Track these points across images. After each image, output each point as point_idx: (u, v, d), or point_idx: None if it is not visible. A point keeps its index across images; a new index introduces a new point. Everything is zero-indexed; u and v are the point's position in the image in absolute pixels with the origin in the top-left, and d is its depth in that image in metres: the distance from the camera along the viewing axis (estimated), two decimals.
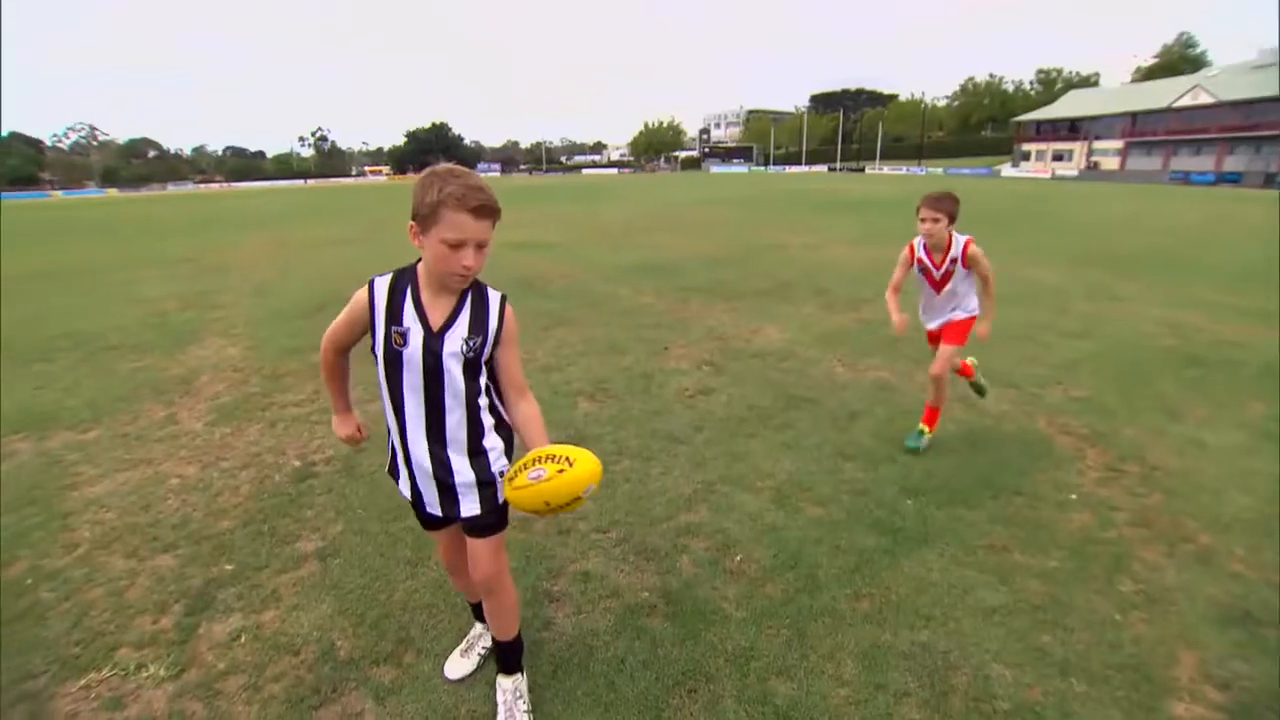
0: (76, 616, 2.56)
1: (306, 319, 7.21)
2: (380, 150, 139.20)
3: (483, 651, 2.27)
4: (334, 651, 2.33)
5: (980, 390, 4.16)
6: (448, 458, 1.80)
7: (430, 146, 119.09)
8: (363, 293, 1.74)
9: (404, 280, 1.72)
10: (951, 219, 3.42)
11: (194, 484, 3.56)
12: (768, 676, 2.19)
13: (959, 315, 3.65)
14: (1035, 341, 5.83)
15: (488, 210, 1.59)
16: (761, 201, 25.24)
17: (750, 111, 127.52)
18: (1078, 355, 5.47)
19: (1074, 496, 3.26)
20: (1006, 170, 59.62)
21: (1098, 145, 60.83)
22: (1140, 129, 57.09)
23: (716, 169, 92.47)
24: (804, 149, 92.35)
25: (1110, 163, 58.07)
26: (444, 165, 1.63)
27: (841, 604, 2.52)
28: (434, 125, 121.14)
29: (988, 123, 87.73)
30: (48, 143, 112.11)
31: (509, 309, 1.80)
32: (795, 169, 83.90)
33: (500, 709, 2.02)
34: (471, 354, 1.72)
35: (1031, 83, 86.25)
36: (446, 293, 1.71)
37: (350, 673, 2.23)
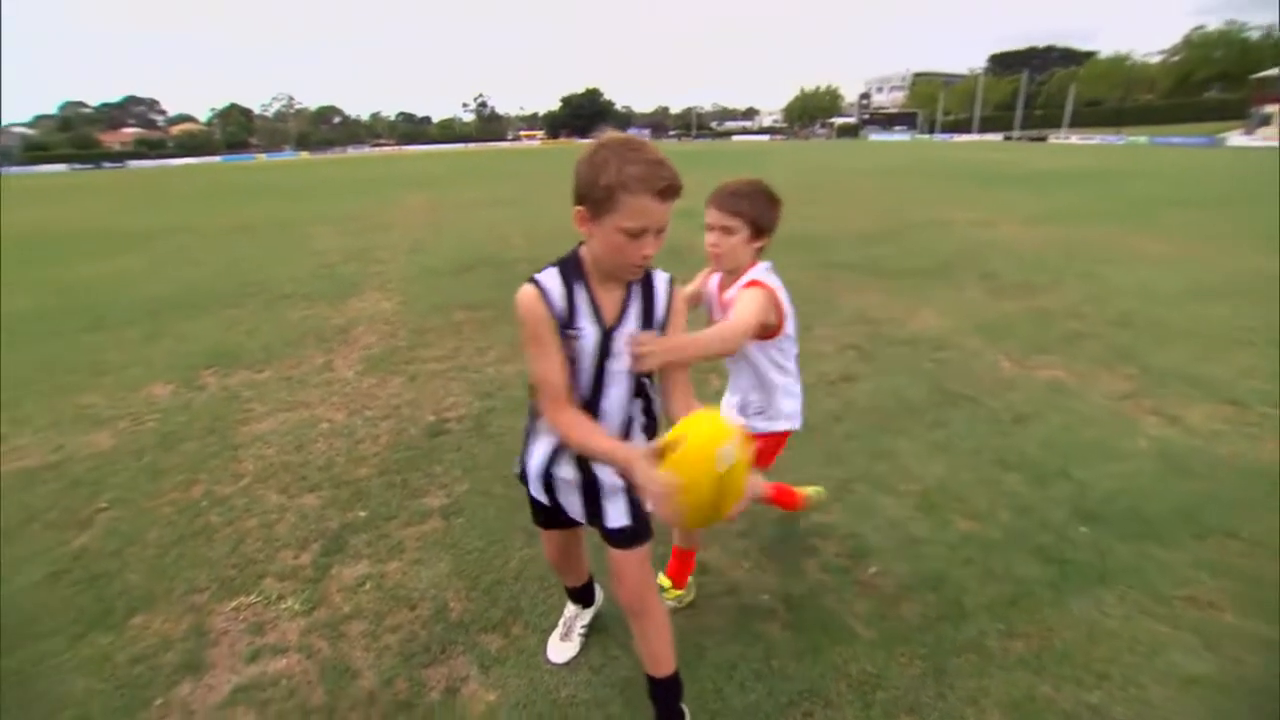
0: (235, 542, 2.82)
1: (454, 277, 7.59)
2: (535, 115, 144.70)
3: (582, 632, 2.20)
4: (447, 611, 2.37)
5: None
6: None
7: (583, 111, 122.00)
8: (535, 302, 1.45)
9: (571, 274, 1.48)
10: (757, 229, 2.05)
11: (341, 429, 3.83)
12: (895, 713, 1.94)
13: (759, 424, 2.23)
14: (1260, 348, 4.82)
15: (674, 190, 1.37)
16: (924, 172, 23.23)
17: (917, 75, 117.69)
18: None
19: None
20: (1235, 139, 49.93)
21: None
22: None
23: (876, 136, 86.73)
24: (976, 115, 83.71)
25: None
26: (615, 137, 1.39)
27: (991, 640, 2.18)
28: (587, 91, 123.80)
29: (1215, 81, 73.39)
30: (256, 111, 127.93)
31: (677, 291, 1.60)
32: (964, 137, 76.57)
33: None
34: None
35: None
36: (615, 283, 1.52)
37: (460, 635, 2.25)
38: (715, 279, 2.20)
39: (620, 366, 1.54)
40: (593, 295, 1.49)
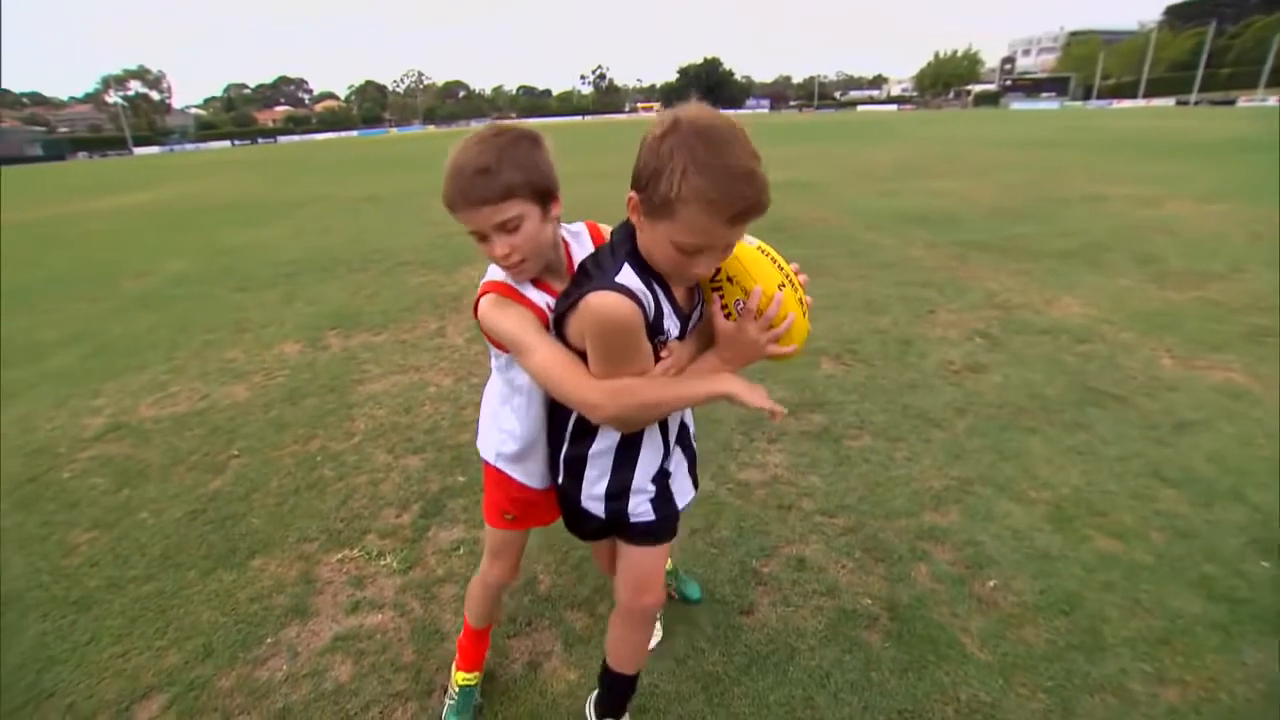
0: (344, 497, 2.96)
1: None
2: (653, 87, 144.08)
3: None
4: (535, 584, 2.36)
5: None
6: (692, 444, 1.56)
7: (700, 82, 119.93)
8: (634, 314, 1.16)
9: (646, 273, 1.20)
10: (544, 193, 1.29)
11: (447, 394, 3.95)
12: None
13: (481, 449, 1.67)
14: None
15: (752, 213, 1.07)
16: (1074, 143, 20.93)
17: (1072, 34, 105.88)
18: None
19: None
20: None
21: None
22: None
23: (1018, 105, 79.03)
24: (1144, 77, 73.84)
25: None
26: (696, 118, 1.05)
27: (1134, 682, 1.89)
28: (705, 60, 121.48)
29: None
30: (389, 87, 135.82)
31: None
32: (1127, 103, 67.81)
33: None
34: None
35: None
36: None
37: (546, 610, 2.23)
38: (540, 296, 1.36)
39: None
40: (670, 293, 1.24)
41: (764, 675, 1.97)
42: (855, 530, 2.61)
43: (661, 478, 1.46)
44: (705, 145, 1.01)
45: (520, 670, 2.03)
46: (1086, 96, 79.50)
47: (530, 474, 1.56)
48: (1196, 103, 60.43)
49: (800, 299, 1.27)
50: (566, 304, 1.26)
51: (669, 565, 2.08)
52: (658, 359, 1.26)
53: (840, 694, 1.90)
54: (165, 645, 2.21)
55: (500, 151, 1.21)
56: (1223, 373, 3.82)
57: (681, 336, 1.30)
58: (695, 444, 1.58)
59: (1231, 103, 54.88)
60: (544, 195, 1.28)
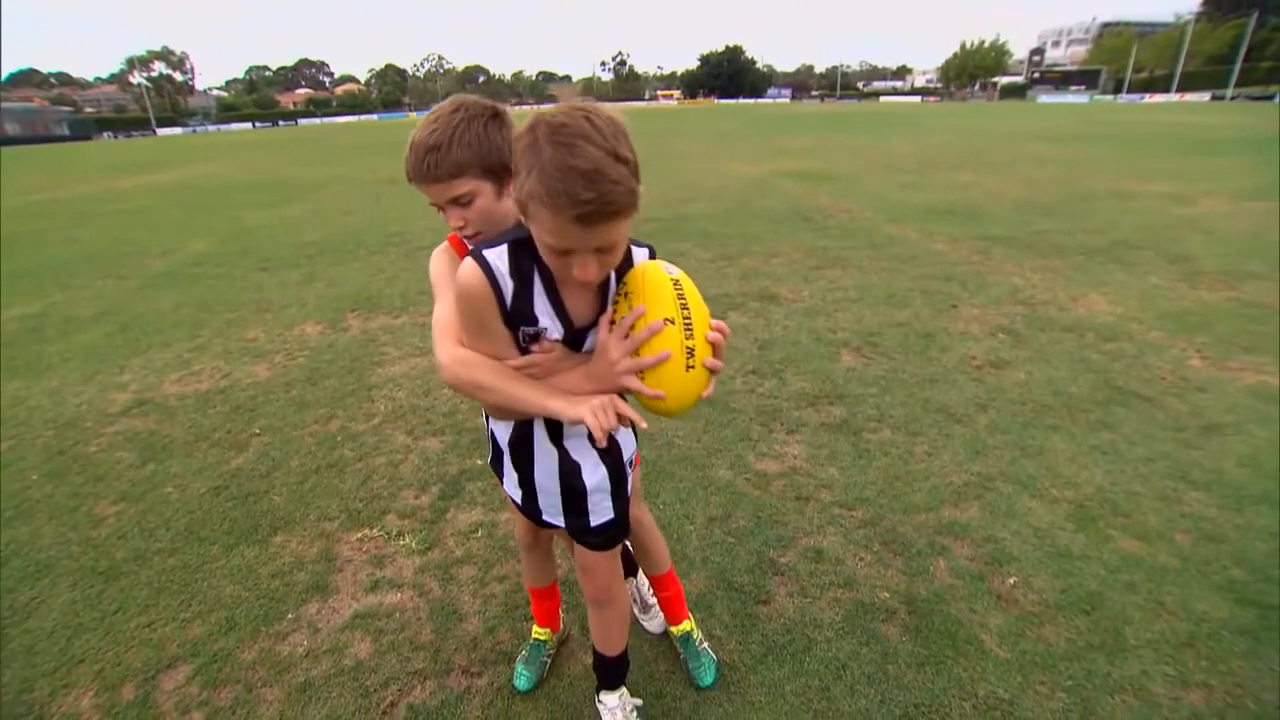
0: (364, 477, 2.99)
1: None
2: (674, 74, 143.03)
3: (650, 599, 2.12)
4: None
5: None
6: (576, 461, 1.43)
7: (722, 70, 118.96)
8: (479, 284, 1.16)
9: (528, 261, 1.17)
10: (499, 171, 1.30)
11: None
12: None
13: None
14: None
15: (603, 215, 1.00)
16: (1104, 137, 20.51)
17: (1105, 24, 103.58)
18: None
19: None
20: None
21: None
22: None
23: (1046, 98, 77.45)
24: (1178, 71, 71.78)
25: None
26: (555, 114, 1.00)
27: (1157, 685, 1.87)
28: (728, 48, 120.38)
29: None
30: (409, 71, 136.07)
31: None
32: (1159, 97, 66.21)
33: None
34: None
35: None
36: None
37: (564, 594, 2.24)
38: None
39: None
40: (552, 286, 1.20)
41: (780, 665, 1.97)
42: (874, 523, 2.59)
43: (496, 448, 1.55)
44: (553, 145, 0.97)
45: None
46: (1117, 90, 77.68)
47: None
48: (1233, 98, 58.81)
49: (687, 346, 1.14)
50: None
51: (686, 632, 2.00)
52: (527, 352, 1.24)
53: (857, 686, 1.90)
54: (190, 617, 2.25)
55: (453, 130, 1.24)
56: (1256, 375, 3.73)
57: (578, 346, 1.26)
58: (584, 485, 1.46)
59: (1270, 98, 52.98)
60: (497, 172, 1.29)
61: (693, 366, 1.15)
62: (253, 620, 2.23)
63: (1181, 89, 68.70)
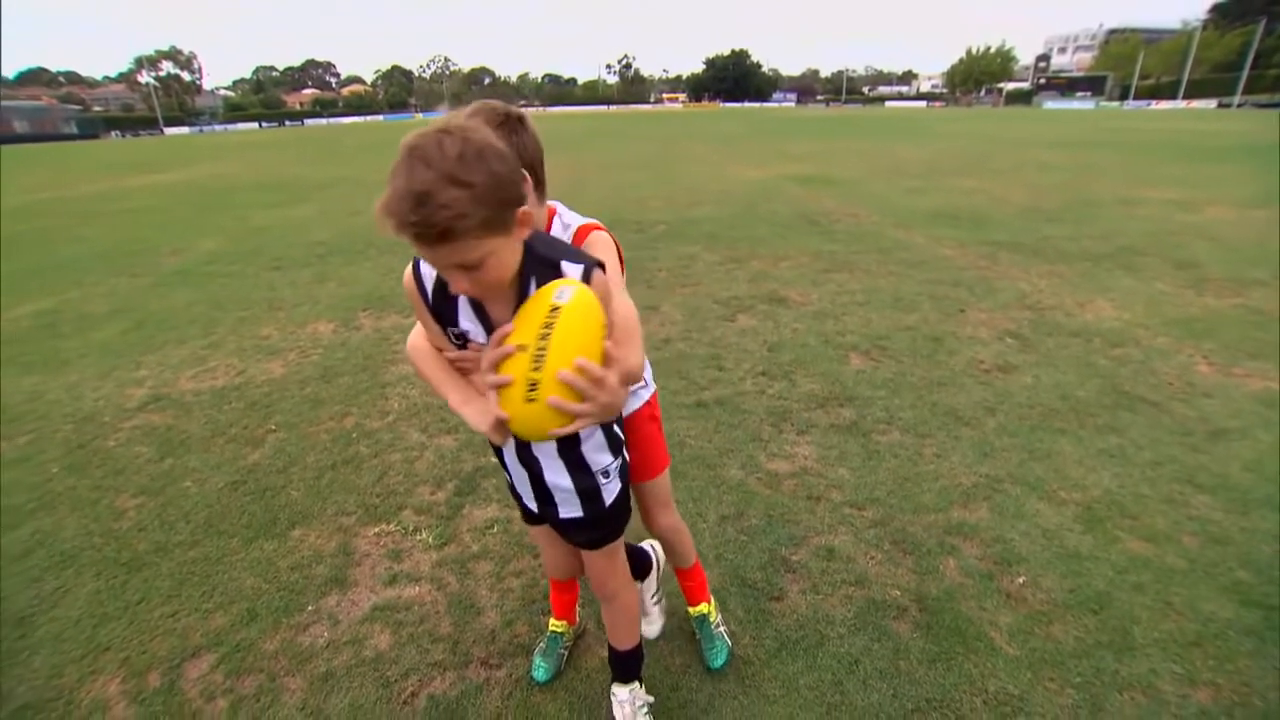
0: (380, 473, 3.04)
1: None
2: (679, 78, 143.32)
3: (656, 599, 2.11)
4: None
5: None
6: (536, 458, 1.46)
7: (727, 74, 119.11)
8: (409, 280, 1.28)
9: None
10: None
11: None
12: None
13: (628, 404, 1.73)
14: None
15: (432, 238, 1.01)
16: (1110, 143, 20.53)
17: (1112, 31, 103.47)
18: None
19: None
20: None
21: None
22: None
23: (1052, 104, 77.47)
24: (1184, 78, 71.61)
25: None
26: (424, 129, 1.02)
27: (1164, 683, 1.90)
28: (733, 52, 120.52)
29: None
30: (416, 72, 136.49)
31: (597, 280, 1.24)
32: (1165, 104, 66.09)
33: None
34: None
35: None
36: None
37: (582, 590, 2.28)
38: None
39: None
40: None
41: (794, 660, 2.01)
42: (884, 523, 2.62)
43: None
44: (398, 165, 1.01)
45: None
46: (1123, 97, 77.61)
47: None
48: (1240, 105, 58.71)
49: (531, 378, 1.09)
50: None
51: (703, 614, 2.07)
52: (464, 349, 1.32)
53: (869, 680, 1.93)
54: (211, 608, 2.29)
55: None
56: (1261, 381, 3.76)
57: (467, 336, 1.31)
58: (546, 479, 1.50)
59: (1278, 105, 53.00)
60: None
61: (533, 400, 1.10)
62: (273, 611, 2.27)
63: (1188, 96, 68.52)
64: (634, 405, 1.72)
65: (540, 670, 1.98)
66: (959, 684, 1.92)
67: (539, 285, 1.19)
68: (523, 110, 1.37)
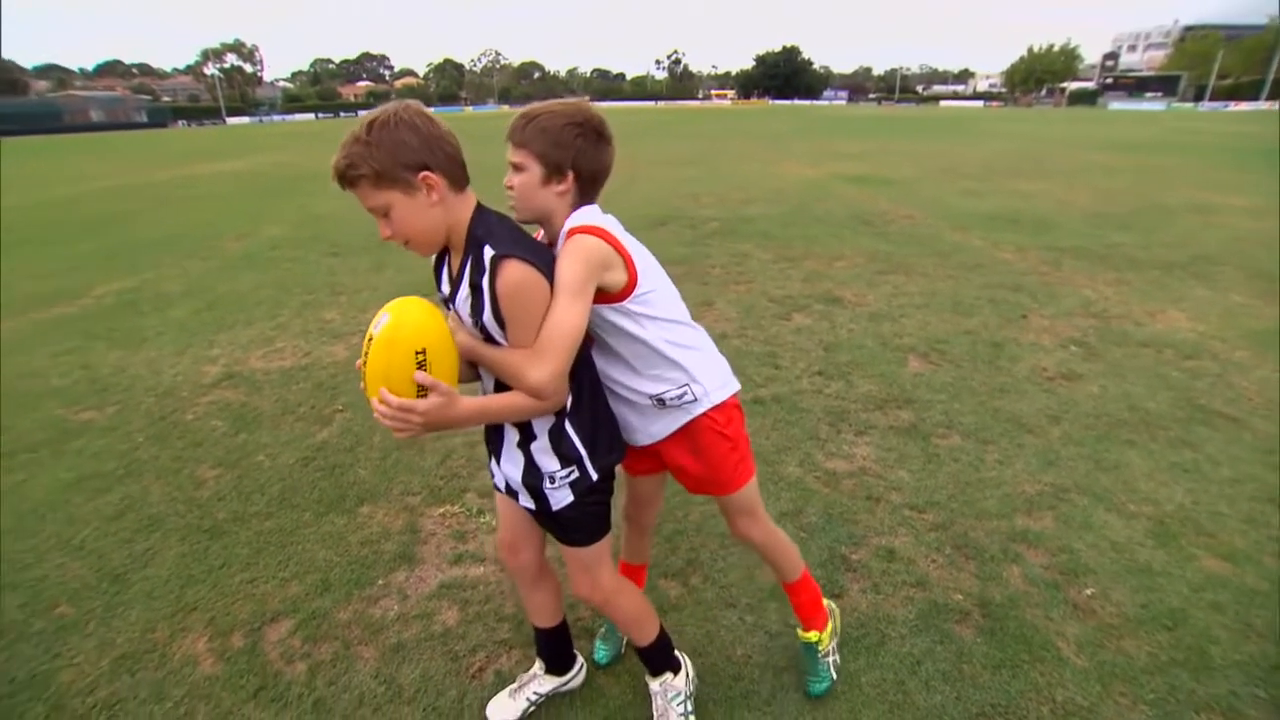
0: (443, 456, 3.12)
1: (648, 232, 7.72)
2: (728, 74, 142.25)
3: (532, 697, 1.85)
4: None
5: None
6: (499, 442, 1.52)
7: (777, 71, 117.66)
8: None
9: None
10: (552, 168, 1.41)
11: None
12: None
13: (698, 409, 1.59)
14: None
15: (336, 178, 1.29)
16: (1182, 146, 19.63)
17: (1188, 28, 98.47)
18: None
19: None
20: None
21: None
22: None
23: (1118, 105, 74.16)
24: (1269, 77, 67.09)
25: None
26: (384, 108, 1.30)
27: (1247, 706, 1.83)
28: (784, 49, 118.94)
29: None
30: (467, 66, 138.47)
31: (502, 272, 1.27)
32: (1246, 105, 62.41)
33: (655, 715, 1.78)
34: (481, 335, 1.37)
35: None
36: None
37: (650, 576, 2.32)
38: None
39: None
40: (447, 255, 1.43)
41: (855, 657, 2.00)
42: (945, 527, 2.59)
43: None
44: (359, 123, 1.29)
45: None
46: (1198, 98, 73.67)
47: None
48: None
49: (359, 368, 1.26)
50: None
51: (811, 642, 1.92)
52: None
53: (932, 682, 1.92)
54: (288, 577, 2.40)
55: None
56: None
57: (450, 303, 1.44)
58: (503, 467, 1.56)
59: None
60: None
61: (363, 379, 1.25)
62: (346, 584, 2.37)
63: (1272, 97, 64.54)
64: (683, 418, 1.57)
65: (601, 653, 2.02)
66: (1025, 691, 1.89)
67: (473, 260, 1.32)
68: (601, 123, 1.42)
